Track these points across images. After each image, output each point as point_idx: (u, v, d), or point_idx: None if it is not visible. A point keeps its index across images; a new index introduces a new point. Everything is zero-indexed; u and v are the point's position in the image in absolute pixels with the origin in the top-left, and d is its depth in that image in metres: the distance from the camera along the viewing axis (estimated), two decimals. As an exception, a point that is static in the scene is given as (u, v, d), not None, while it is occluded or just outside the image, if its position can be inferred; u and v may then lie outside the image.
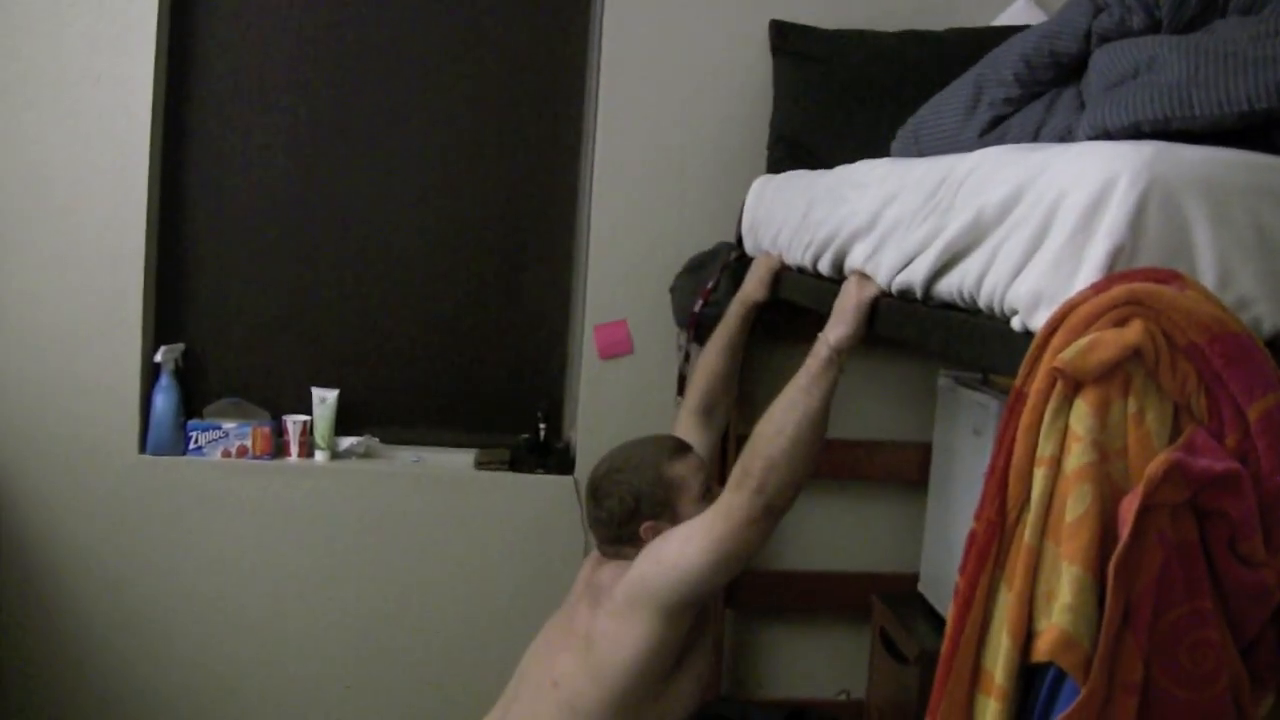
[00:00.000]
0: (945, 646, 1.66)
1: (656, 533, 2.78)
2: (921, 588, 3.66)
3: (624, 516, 2.85)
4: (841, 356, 2.54)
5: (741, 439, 3.78)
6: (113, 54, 3.71)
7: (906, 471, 4.00)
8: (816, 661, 4.13)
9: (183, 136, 3.92)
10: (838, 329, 2.51)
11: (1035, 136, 2.32)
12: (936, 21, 3.76)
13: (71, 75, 3.71)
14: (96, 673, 3.87)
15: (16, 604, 3.82)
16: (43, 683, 3.85)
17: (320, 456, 3.93)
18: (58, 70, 3.70)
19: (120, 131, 3.74)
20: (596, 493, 2.93)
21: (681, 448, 2.94)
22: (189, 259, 3.96)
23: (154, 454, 3.82)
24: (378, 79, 4.00)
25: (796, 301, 3.11)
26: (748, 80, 3.86)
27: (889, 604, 3.64)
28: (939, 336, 2.11)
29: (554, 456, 3.98)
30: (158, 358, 3.80)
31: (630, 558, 2.82)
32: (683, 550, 2.65)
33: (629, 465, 2.90)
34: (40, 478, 3.78)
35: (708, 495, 2.82)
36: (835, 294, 2.67)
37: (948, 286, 2.04)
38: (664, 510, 2.82)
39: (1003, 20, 3.76)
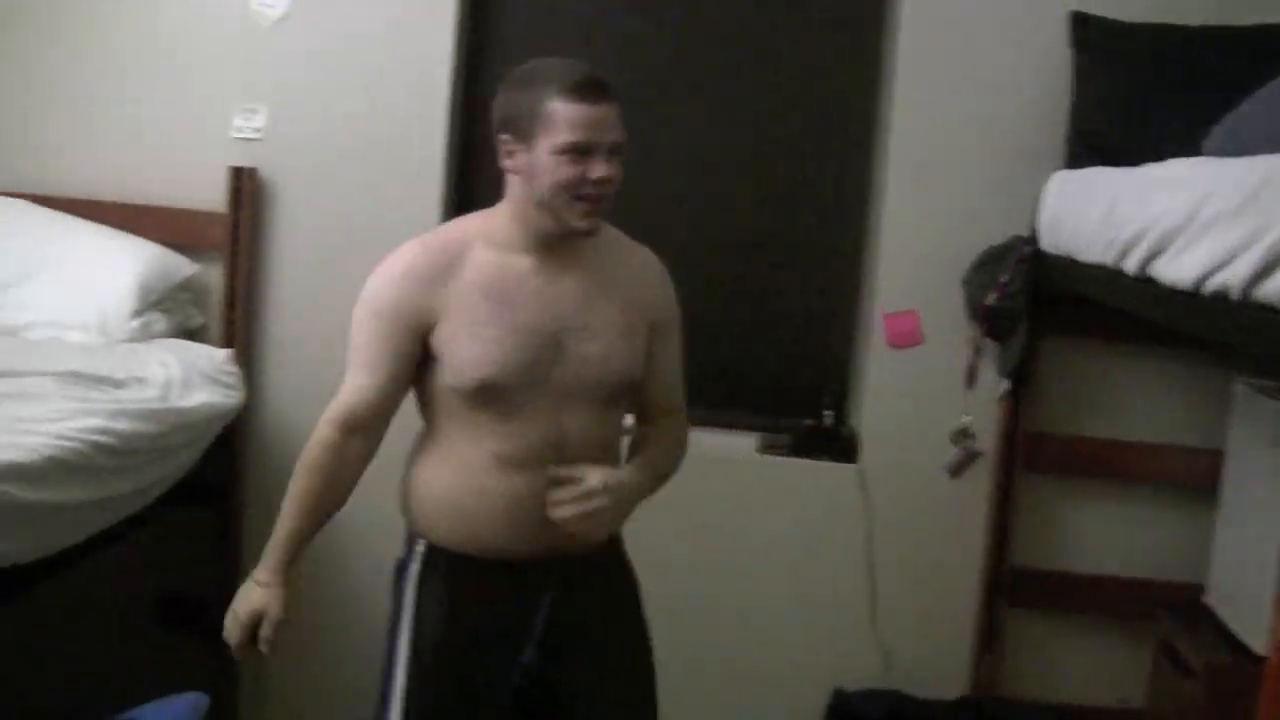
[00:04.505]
0: (1274, 659, 1.64)
1: (510, 154, 2.44)
2: (1209, 600, 3.59)
3: (497, 122, 2.47)
4: None
5: (1032, 435, 3.80)
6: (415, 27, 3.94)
7: (1191, 477, 3.91)
8: (1092, 664, 4.06)
9: (478, 106, 4.03)
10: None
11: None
12: (1239, 16, 3.65)
13: (378, 46, 3.93)
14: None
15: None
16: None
17: (608, 434, 4.00)
18: (368, 39, 3.93)
19: (418, 99, 3.95)
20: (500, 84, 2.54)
21: (588, 91, 2.39)
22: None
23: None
24: (670, 52, 4.09)
25: (1097, 299, 3.08)
26: (1045, 72, 3.81)
27: (1172, 614, 3.58)
28: (1259, 340, 2.07)
29: (838, 443, 4.01)
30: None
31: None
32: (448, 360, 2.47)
33: (527, 76, 2.46)
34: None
35: (565, 185, 2.40)
36: (1139, 293, 2.65)
37: (1272, 288, 2.01)
38: (522, 134, 2.42)
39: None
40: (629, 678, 2.73)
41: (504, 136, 2.44)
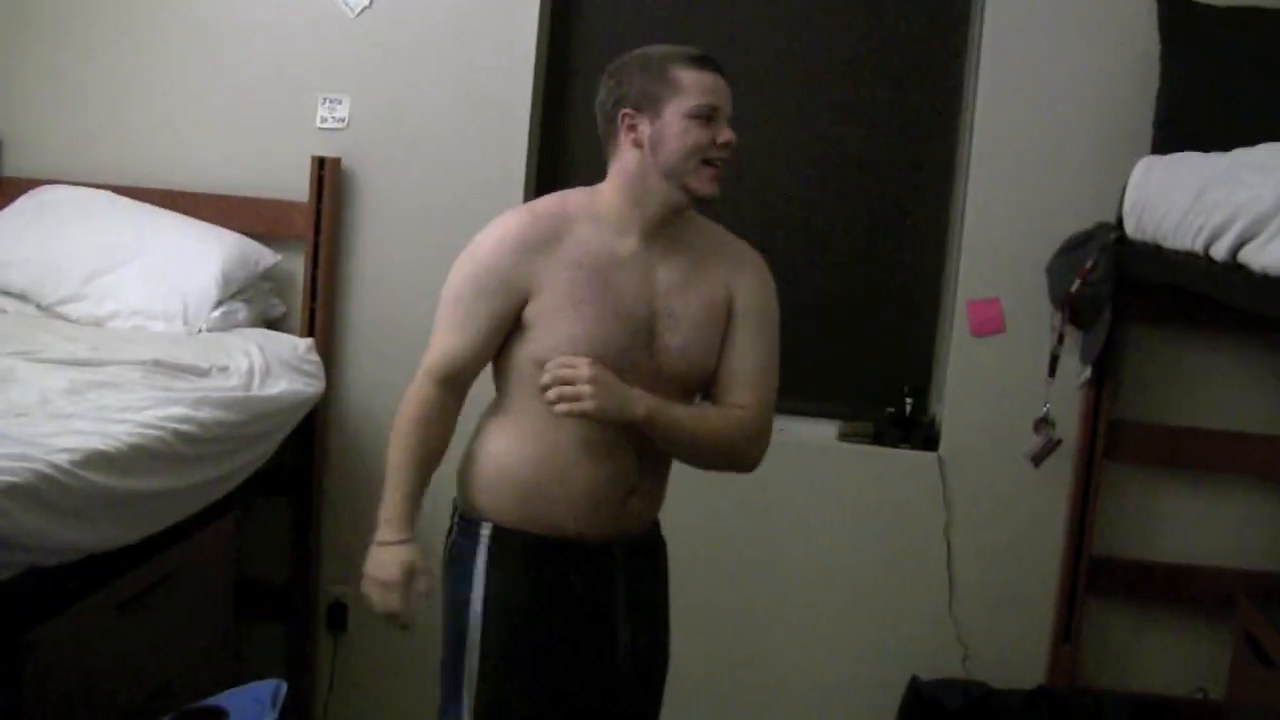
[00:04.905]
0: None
1: (631, 127, 2.49)
2: (1295, 590, 3.55)
3: (611, 102, 2.53)
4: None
5: (1114, 424, 3.76)
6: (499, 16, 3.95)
7: (1277, 466, 3.86)
8: (1172, 655, 4.01)
9: (564, 95, 4.10)
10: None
11: None
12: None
13: (463, 36, 3.95)
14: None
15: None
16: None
17: (686, 421, 4.00)
18: (452, 29, 3.95)
19: (503, 89, 3.95)
20: (602, 78, 2.60)
21: (710, 62, 2.51)
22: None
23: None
24: (756, 37, 4.07)
25: (1183, 285, 3.04)
26: (1131, 57, 3.77)
27: (1256, 604, 3.53)
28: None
29: (919, 431, 3.99)
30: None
31: (611, 161, 2.58)
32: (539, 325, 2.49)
33: (643, 55, 2.53)
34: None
35: (697, 148, 2.47)
36: (1227, 280, 2.61)
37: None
38: (648, 104, 2.48)
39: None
40: (654, 651, 2.75)
41: (626, 111, 2.49)
